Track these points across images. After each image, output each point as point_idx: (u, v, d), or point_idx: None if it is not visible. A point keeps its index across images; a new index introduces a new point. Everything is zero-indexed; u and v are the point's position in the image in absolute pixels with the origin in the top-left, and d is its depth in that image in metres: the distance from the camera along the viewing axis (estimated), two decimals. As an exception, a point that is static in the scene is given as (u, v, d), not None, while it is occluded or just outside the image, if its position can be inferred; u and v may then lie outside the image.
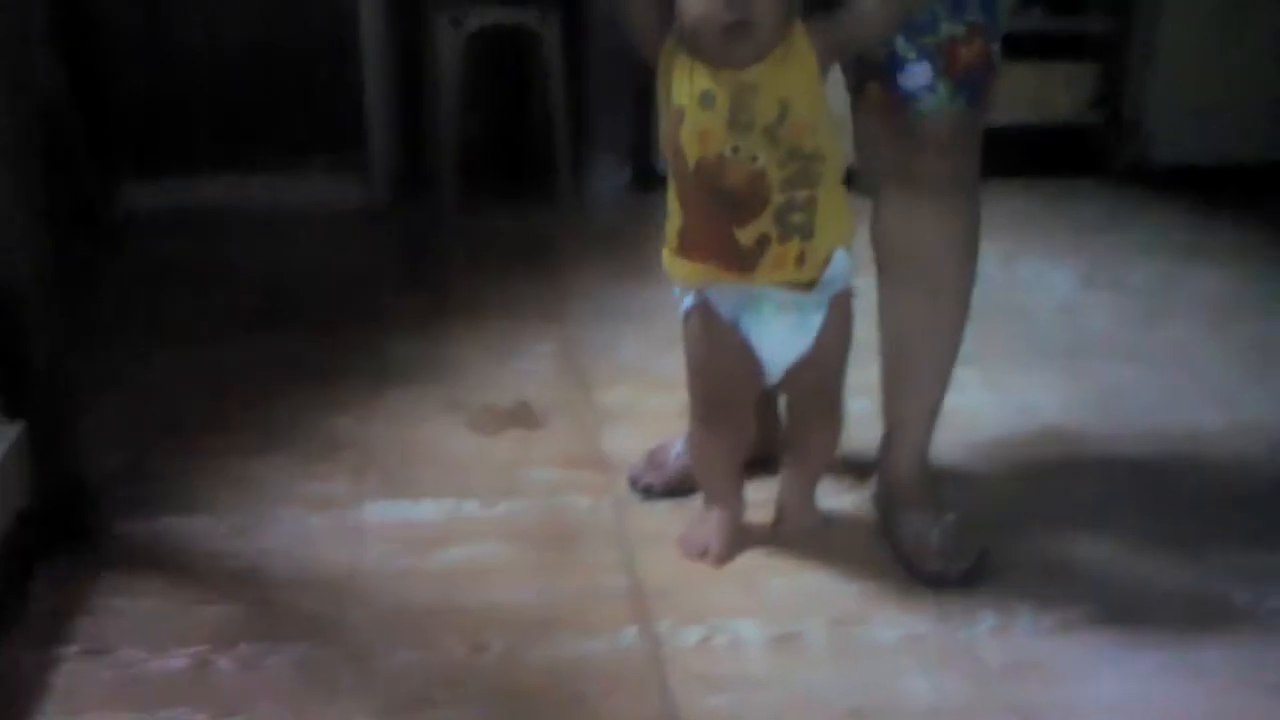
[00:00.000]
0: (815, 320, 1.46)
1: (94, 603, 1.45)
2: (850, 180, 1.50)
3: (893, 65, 1.44)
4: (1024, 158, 3.58)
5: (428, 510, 1.68)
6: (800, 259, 1.41)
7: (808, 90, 1.36)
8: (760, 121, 1.35)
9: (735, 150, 1.36)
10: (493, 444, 1.89)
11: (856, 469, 1.76)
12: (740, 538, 1.59)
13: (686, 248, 1.44)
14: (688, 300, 1.49)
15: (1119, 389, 2.14)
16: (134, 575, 1.51)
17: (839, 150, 1.42)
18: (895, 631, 1.44)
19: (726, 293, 1.45)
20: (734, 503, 1.60)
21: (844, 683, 1.35)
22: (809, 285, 1.44)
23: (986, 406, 2.04)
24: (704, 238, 1.41)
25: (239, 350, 2.21)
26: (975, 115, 1.49)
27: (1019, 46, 3.49)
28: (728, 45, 1.33)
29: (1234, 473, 1.85)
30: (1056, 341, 2.37)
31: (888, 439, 1.65)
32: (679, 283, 1.48)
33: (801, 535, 1.61)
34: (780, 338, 1.47)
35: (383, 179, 3.18)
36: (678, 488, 1.71)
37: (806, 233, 1.40)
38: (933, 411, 1.63)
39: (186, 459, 1.79)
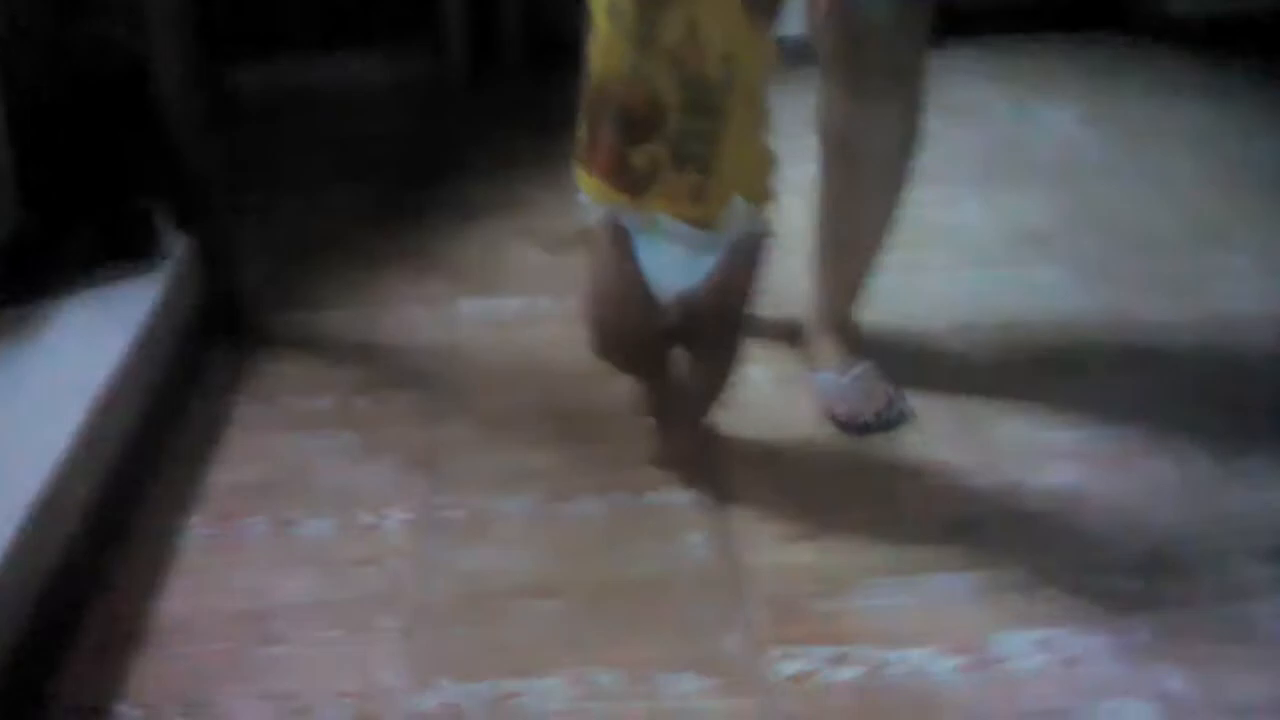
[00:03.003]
0: (706, 260, 1.40)
1: (255, 369, 1.89)
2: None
3: None
4: (1043, 12, 3.87)
5: (510, 304, 2.09)
6: (695, 193, 1.34)
7: (718, 16, 1.29)
8: (663, 40, 1.28)
9: (635, 70, 1.30)
10: (560, 260, 2.29)
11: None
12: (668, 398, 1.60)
13: (587, 161, 1.39)
14: (597, 212, 1.41)
15: (1095, 201, 2.48)
16: (282, 350, 1.95)
17: (757, 87, 1.35)
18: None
19: (627, 211, 1.39)
20: (653, 378, 1.59)
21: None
22: (706, 224, 1.37)
23: (977, 217, 2.40)
24: (600, 153, 1.36)
25: (344, 195, 2.63)
26: (922, 13, 1.54)
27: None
28: None
29: (1182, 266, 2.19)
30: (1050, 167, 2.71)
31: (816, 306, 1.79)
32: (584, 195, 1.42)
33: (682, 460, 1.61)
34: (665, 265, 1.40)
35: (459, 56, 3.55)
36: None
37: (702, 165, 1.33)
38: (859, 284, 1.75)
39: (312, 271, 2.21)
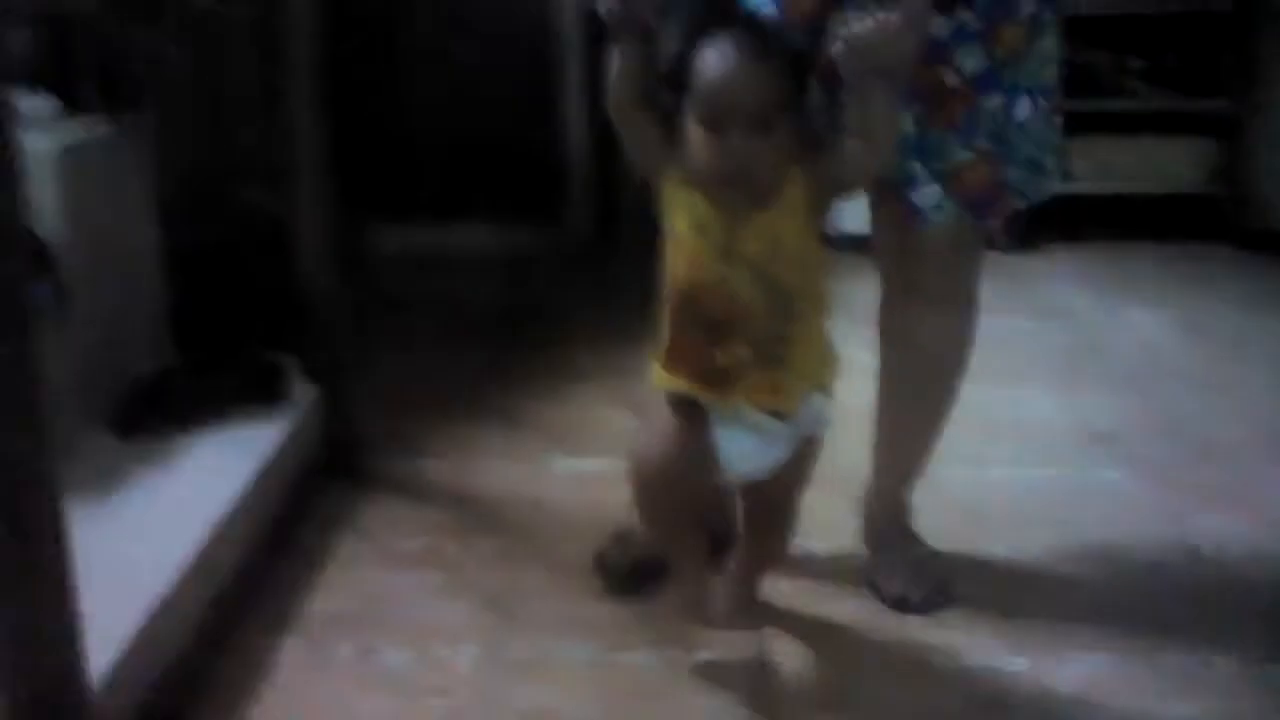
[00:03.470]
0: (779, 448, 1.51)
1: (361, 508, 2.09)
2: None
3: (906, 182, 1.61)
4: (1147, 224, 4.01)
5: (595, 465, 2.26)
6: (774, 388, 1.46)
7: (796, 230, 1.43)
8: (748, 254, 1.42)
9: (722, 279, 1.43)
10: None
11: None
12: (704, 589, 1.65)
13: (671, 364, 1.49)
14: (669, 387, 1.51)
15: (1167, 406, 2.58)
16: (386, 493, 2.15)
17: (824, 290, 1.49)
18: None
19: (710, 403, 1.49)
20: (692, 559, 1.63)
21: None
22: (783, 415, 1.49)
23: (1050, 416, 2.52)
24: (686, 355, 1.47)
25: (457, 353, 2.88)
26: (978, 232, 1.69)
27: (1147, 123, 3.96)
28: (728, 192, 1.42)
29: (1244, 477, 2.26)
30: (1129, 371, 2.82)
31: (870, 489, 1.89)
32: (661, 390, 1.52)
33: (729, 625, 1.66)
34: (742, 450, 1.51)
35: (579, 226, 3.83)
36: (648, 565, 1.79)
37: (780, 363, 1.45)
38: (912, 474, 1.86)
39: (423, 423, 2.43)
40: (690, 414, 1.50)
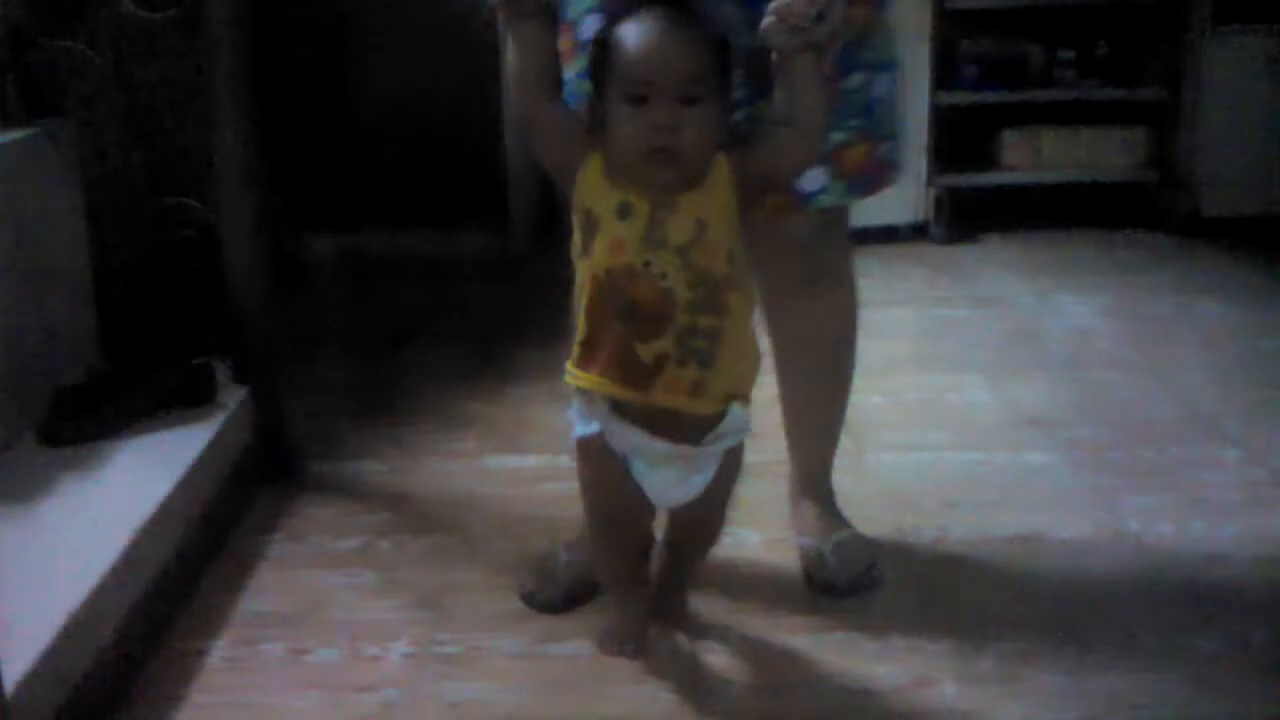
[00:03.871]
0: (701, 475, 1.49)
1: (293, 511, 2.08)
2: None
3: None
4: (1082, 212, 4.06)
5: (532, 460, 2.27)
6: (694, 387, 1.40)
7: (724, 217, 1.39)
8: (674, 240, 1.37)
9: (646, 264, 1.37)
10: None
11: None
12: (646, 626, 1.64)
13: (587, 360, 1.42)
14: (581, 428, 1.49)
15: (1098, 390, 2.61)
16: (320, 495, 2.14)
17: (751, 286, 1.45)
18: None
19: (619, 431, 1.44)
20: (637, 595, 1.63)
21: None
22: (701, 423, 1.44)
23: (983, 402, 2.55)
24: (605, 350, 1.40)
25: (399, 356, 2.87)
26: (847, 211, 1.72)
27: (1079, 112, 4.01)
28: (652, 170, 1.36)
29: (1172, 456, 2.28)
30: (1063, 356, 2.85)
31: (792, 475, 1.92)
32: (578, 395, 1.46)
33: (667, 620, 1.67)
34: (665, 484, 1.49)
35: (520, 233, 3.82)
36: (577, 594, 1.78)
37: (705, 361, 1.40)
38: (825, 458, 1.89)
39: (359, 426, 2.43)
40: (610, 456, 1.48)
